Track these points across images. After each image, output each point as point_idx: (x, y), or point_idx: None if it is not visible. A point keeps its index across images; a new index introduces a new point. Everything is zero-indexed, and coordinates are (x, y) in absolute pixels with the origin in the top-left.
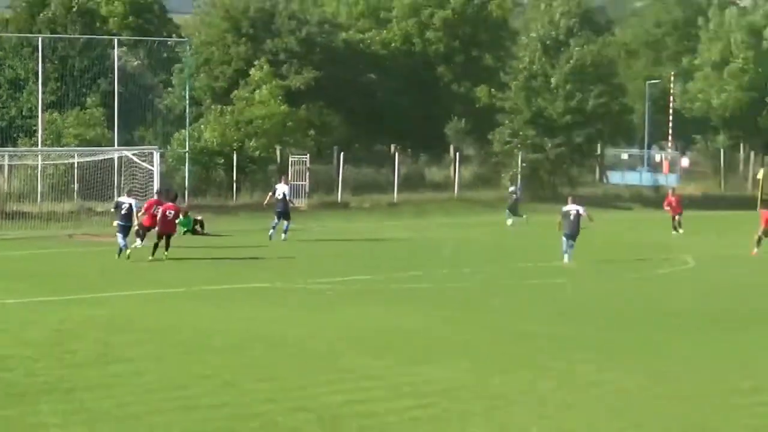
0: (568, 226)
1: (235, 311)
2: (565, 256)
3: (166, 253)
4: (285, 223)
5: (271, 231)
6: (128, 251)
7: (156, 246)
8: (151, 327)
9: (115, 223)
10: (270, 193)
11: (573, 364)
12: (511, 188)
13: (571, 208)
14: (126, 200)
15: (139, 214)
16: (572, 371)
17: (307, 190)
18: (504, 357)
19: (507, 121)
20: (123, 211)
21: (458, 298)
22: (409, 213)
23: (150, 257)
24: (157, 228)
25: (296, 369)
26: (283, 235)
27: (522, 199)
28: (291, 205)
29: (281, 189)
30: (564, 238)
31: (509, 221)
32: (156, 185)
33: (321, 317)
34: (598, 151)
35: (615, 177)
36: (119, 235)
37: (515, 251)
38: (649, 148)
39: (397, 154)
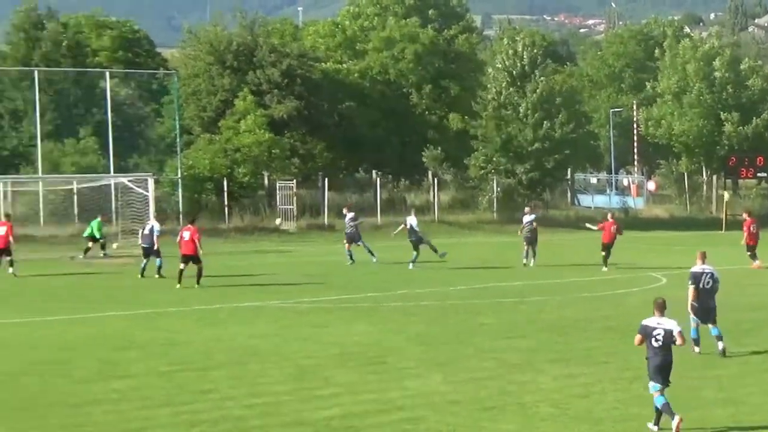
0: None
1: (231, 329)
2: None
3: (197, 285)
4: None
5: (411, 265)
6: (160, 271)
7: (181, 273)
8: (152, 345)
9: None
10: (402, 226)
11: (540, 375)
12: (528, 217)
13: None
14: (150, 223)
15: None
16: (543, 383)
17: (294, 213)
18: (486, 371)
19: (480, 148)
20: (145, 232)
21: (438, 315)
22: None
23: (178, 285)
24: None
25: (292, 384)
26: (411, 265)
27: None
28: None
29: (410, 221)
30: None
31: (531, 261)
32: (151, 210)
33: (312, 334)
34: (568, 176)
35: (585, 200)
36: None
37: (494, 270)
38: (616, 172)
39: (378, 179)
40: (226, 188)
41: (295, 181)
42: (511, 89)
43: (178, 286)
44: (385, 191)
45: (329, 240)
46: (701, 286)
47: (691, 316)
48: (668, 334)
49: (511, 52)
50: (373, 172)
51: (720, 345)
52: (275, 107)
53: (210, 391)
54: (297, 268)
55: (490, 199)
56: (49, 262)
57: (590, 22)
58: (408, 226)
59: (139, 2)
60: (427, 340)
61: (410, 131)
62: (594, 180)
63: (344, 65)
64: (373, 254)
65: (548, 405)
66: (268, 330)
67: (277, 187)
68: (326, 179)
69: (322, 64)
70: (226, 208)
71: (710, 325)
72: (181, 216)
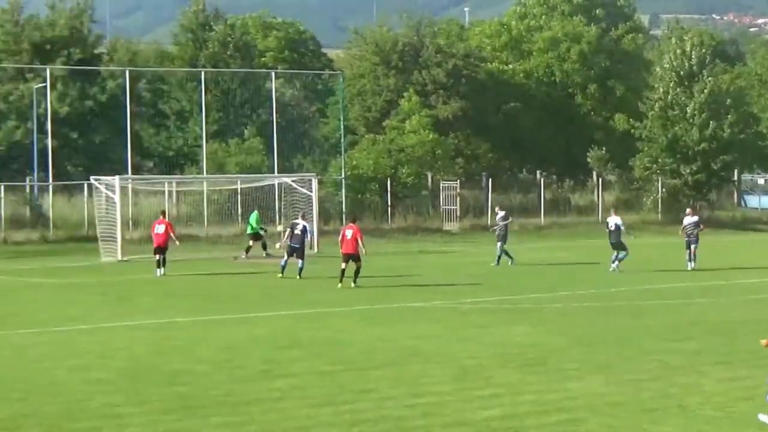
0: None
1: (393, 329)
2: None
3: (353, 284)
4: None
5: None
6: (300, 273)
7: (343, 272)
8: (313, 344)
9: (282, 243)
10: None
11: (704, 377)
12: (691, 219)
13: (611, 220)
14: (301, 222)
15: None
16: (706, 385)
17: (458, 213)
18: (648, 373)
19: (646, 148)
20: (297, 232)
21: (600, 317)
22: (555, 236)
23: (339, 285)
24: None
25: (453, 384)
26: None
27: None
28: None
29: (614, 221)
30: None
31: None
32: (315, 210)
33: (474, 334)
34: (735, 177)
35: (752, 201)
36: (285, 254)
37: (658, 272)
38: None
39: (542, 180)
40: (389, 188)
41: (458, 181)
42: (678, 89)
43: (339, 285)
44: (549, 191)
45: (492, 241)
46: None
47: None
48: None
49: (678, 51)
50: (537, 172)
51: None
52: (440, 107)
53: (371, 390)
54: (459, 269)
55: (654, 200)
56: (213, 262)
57: (760, 21)
58: (612, 227)
59: (305, 3)
60: (588, 341)
61: (575, 132)
62: (761, 181)
63: (509, 66)
64: (511, 257)
65: (711, 408)
66: (430, 330)
67: (441, 188)
68: (490, 179)
69: (488, 64)
70: (389, 209)
71: None
72: (344, 216)
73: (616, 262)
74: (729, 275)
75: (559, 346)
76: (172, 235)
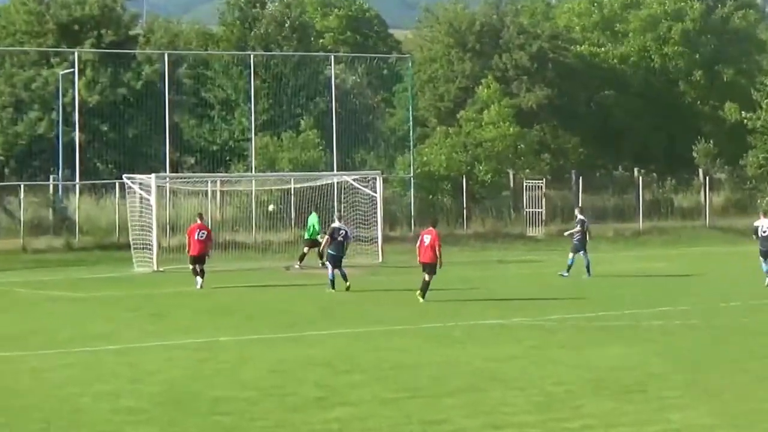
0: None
1: (467, 350)
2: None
3: (421, 296)
4: None
5: None
6: (347, 283)
7: (426, 284)
8: (375, 367)
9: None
10: None
11: None
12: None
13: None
14: (341, 227)
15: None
16: None
17: (543, 217)
18: (758, 402)
19: (759, 143)
20: (339, 238)
21: (707, 336)
22: (656, 242)
23: (421, 299)
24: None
25: (537, 414)
26: None
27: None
28: None
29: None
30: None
31: None
32: (379, 213)
33: (562, 356)
34: None
35: None
36: (329, 266)
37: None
38: None
39: (640, 178)
40: (465, 188)
41: (544, 180)
42: None
43: (421, 300)
44: (649, 192)
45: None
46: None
47: None
48: None
49: None
50: (635, 169)
51: None
52: (523, 96)
53: (443, 421)
54: (544, 280)
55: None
56: (261, 273)
57: None
58: (766, 232)
59: None
60: (694, 364)
61: (678, 123)
62: None
63: (602, 48)
64: (588, 270)
65: None
66: (510, 351)
67: (524, 187)
68: (580, 178)
69: (578, 47)
70: (465, 211)
71: None
72: (412, 220)
73: None
74: None
75: (659, 370)
76: (210, 243)
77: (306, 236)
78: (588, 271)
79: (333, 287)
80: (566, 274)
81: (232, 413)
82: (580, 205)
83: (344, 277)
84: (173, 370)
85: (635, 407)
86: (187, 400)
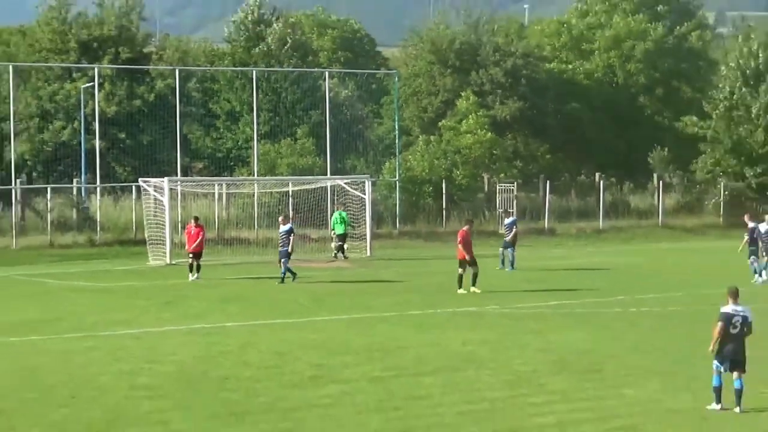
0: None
1: (447, 335)
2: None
3: (472, 288)
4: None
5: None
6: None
7: (460, 278)
8: (365, 350)
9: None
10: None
11: (765, 385)
12: (752, 224)
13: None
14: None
15: None
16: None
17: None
18: (702, 380)
19: (708, 150)
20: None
21: (658, 323)
22: (614, 239)
23: (463, 290)
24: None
25: (507, 391)
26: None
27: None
28: None
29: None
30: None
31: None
32: (368, 212)
33: (527, 340)
34: None
35: None
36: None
37: (718, 276)
38: None
39: (601, 182)
40: (444, 191)
41: (515, 183)
42: (744, 89)
43: (459, 290)
44: (608, 194)
45: (550, 244)
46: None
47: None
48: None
49: (745, 50)
50: (597, 174)
51: None
52: (498, 108)
53: (423, 397)
54: (515, 273)
55: (716, 203)
56: (263, 266)
57: None
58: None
59: (362, 1)
60: (646, 347)
61: (637, 133)
62: None
63: (570, 65)
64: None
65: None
66: (483, 336)
67: (497, 190)
68: (548, 182)
69: (548, 64)
70: (444, 212)
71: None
72: (397, 219)
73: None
74: None
75: (615, 352)
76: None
77: (338, 232)
78: (512, 265)
79: (284, 281)
80: (510, 268)
81: (237, 390)
82: (512, 208)
83: (288, 272)
84: (185, 352)
85: (593, 384)
86: (197, 378)
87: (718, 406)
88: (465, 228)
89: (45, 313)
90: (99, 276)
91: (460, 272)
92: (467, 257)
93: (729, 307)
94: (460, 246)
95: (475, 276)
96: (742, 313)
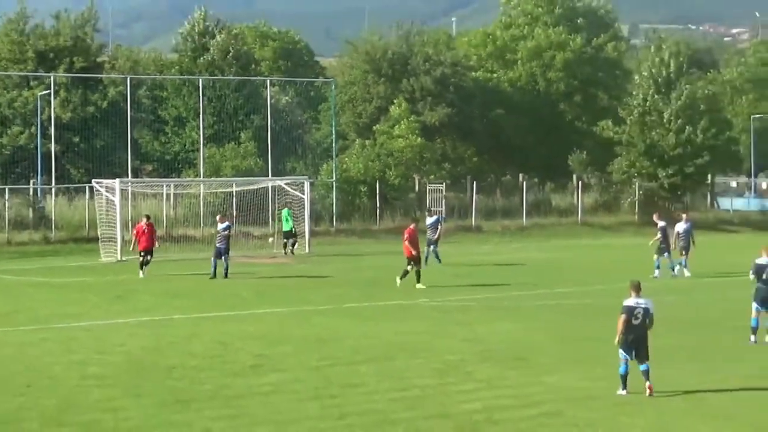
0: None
1: (380, 326)
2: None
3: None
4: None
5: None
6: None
7: (405, 273)
8: (303, 340)
9: None
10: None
11: (676, 370)
12: (685, 225)
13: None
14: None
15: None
16: (677, 379)
17: (444, 215)
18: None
19: (624, 153)
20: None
21: (578, 314)
22: (537, 236)
23: (421, 285)
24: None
25: (436, 378)
26: None
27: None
28: None
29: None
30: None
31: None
32: (307, 211)
33: (455, 331)
34: (709, 180)
35: (725, 203)
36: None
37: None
38: (755, 176)
39: (524, 183)
40: (378, 191)
41: (444, 184)
42: (656, 96)
43: (419, 285)
44: (531, 194)
45: (477, 241)
46: None
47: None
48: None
49: (657, 60)
50: (520, 175)
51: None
52: (428, 114)
53: (358, 385)
54: (445, 269)
55: (632, 202)
56: (208, 262)
57: (734, 31)
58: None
59: (300, 14)
60: (567, 337)
61: (557, 137)
62: (734, 183)
63: (495, 74)
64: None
65: (681, 400)
66: (414, 327)
67: (428, 190)
68: (474, 182)
69: (474, 72)
70: (378, 210)
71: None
72: (334, 218)
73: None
74: (703, 273)
75: (537, 342)
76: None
77: (285, 228)
78: (438, 258)
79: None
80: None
81: (183, 378)
82: (435, 207)
83: (226, 270)
84: (134, 343)
85: (517, 372)
86: (145, 368)
87: (625, 392)
88: (412, 226)
89: (2, 307)
90: (54, 272)
91: (408, 269)
92: (413, 253)
93: (632, 300)
94: (406, 243)
95: (418, 273)
96: (643, 306)
